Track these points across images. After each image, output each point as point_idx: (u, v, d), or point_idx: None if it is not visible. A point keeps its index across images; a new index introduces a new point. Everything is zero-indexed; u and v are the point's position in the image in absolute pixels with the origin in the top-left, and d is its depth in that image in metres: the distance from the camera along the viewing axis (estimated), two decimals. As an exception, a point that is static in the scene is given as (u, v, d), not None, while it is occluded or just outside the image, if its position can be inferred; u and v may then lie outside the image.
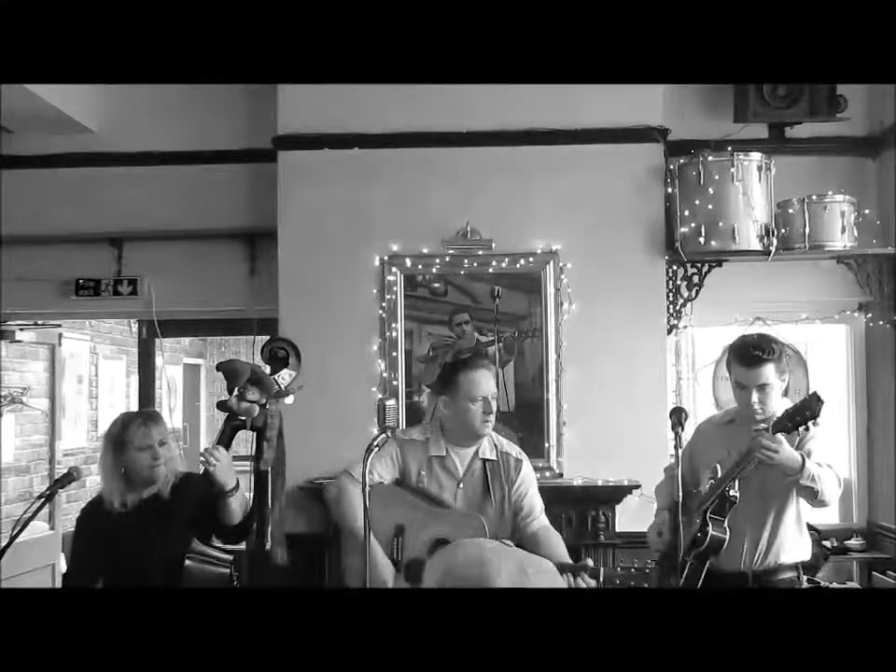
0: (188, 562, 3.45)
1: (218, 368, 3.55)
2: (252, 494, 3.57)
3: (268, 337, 5.85)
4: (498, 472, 3.73)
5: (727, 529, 3.57)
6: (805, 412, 3.37)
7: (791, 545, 3.69)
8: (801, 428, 3.42)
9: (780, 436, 3.42)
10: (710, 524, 3.57)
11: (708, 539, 3.56)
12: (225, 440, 3.55)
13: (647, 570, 3.47)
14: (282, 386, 3.55)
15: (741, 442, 3.66)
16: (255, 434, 3.52)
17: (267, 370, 3.59)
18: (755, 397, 3.66)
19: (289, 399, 3.58)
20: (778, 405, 3.67)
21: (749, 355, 3.65)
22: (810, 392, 3.42)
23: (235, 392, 3.45)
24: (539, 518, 3.72)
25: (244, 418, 3.47)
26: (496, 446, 3.78)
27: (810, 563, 3.77)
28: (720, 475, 3.61)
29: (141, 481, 3.66)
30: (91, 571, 3.64)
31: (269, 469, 3.54)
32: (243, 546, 3.71)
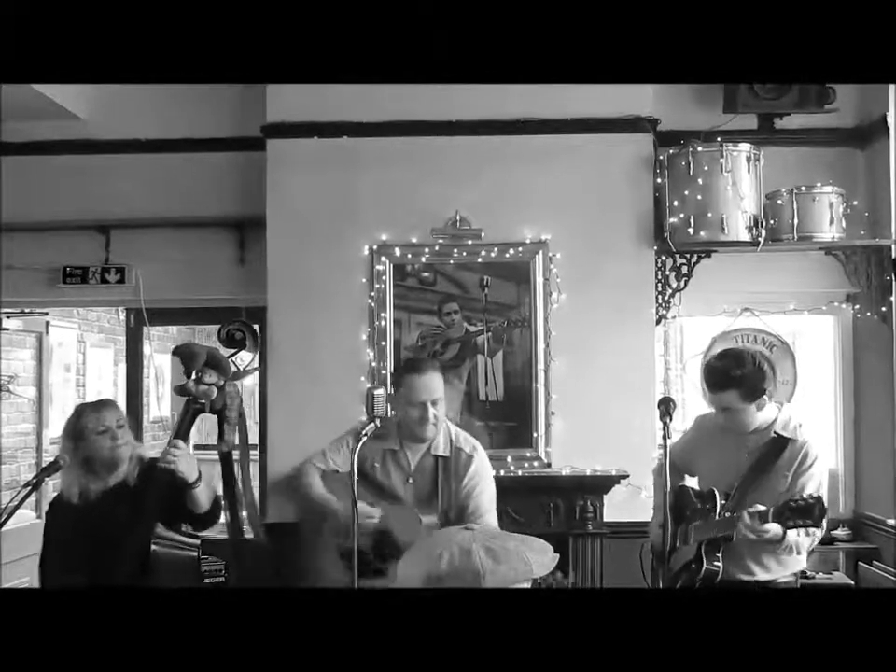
0: (155, 547, 3.44)
1: (174, 352, 3.56)
2: (220, 477, 3.57)
3: (257, 325, 5.86)
4: (448, 469, 3.78)
5: (720, 560, 3.56)
6: (808, 518, 3.26)
7: (792, 558, 3.67)
8: (802, 530, 3.37)
9: (772, 525, 3.34)
10: (705, 557, 3.57)
11: (703, 572, 3.56)
12: (185, 424, 3.55)
13: None
14: (240, 368, 3.56)
15: (734, 455, 3.68)
16: (216, 416, 3.53)
17: (225, 352, 3.59)
18: (721, 418, 3.68)
19: (248, 381, 3.61)
20: (757, 420, 3.63)
21: (710, 378, 3.65)
22: (816, 495, 3.30)
23: (193, 375, 3.45)
24: (483, 517, 3.70)
25: (203, 401, 3.48)
26: (451, 441, 3.83)
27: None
28: (717, 507, 3.58)
29: (104, 467, 3.65)
30: (62, 565, 3.61)
31: (232, 450, 3.55)
32: (228, 536, 3.72)
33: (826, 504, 3.28)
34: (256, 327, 4.21)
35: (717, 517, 3.58)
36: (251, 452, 6.63)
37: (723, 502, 3.60)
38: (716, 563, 3.56)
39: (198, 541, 3.59)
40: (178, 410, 3.67)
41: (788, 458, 3.60)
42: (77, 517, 3.62)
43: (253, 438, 6.22)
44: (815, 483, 3.56)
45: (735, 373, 3.55)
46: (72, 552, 3.60)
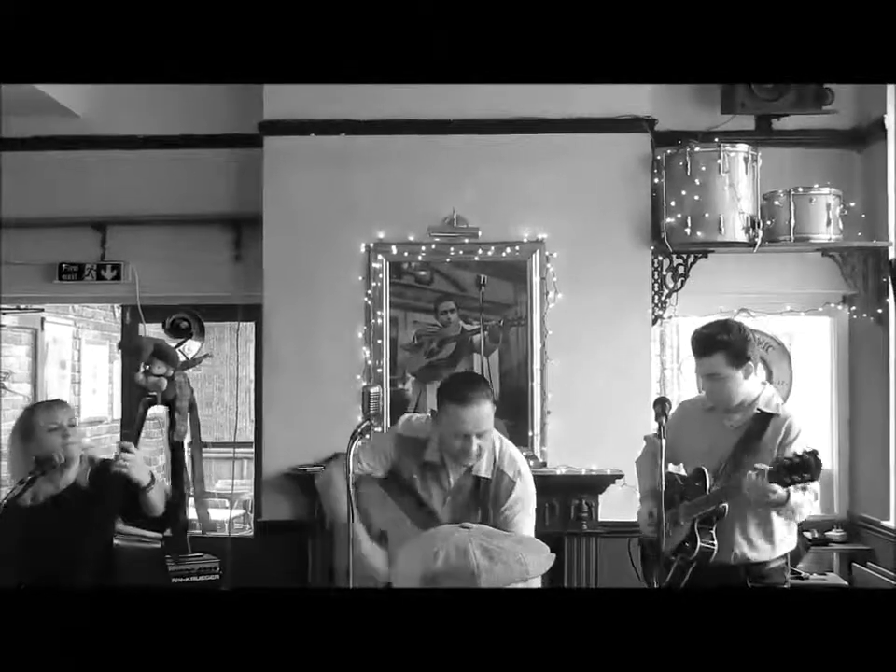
0: (118, 542, 3.42)
1: (120, 346, 3.56)
2: (169, 466, 3.56)
3: (253, 323, 5.86)
4: (488, 493, 3.49)
5: (715, 538, 3.57)
6: (804, 472, 3.26)
7: (780, 536, 3.68)
8: (798, 485, 3.33)
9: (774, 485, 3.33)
10: (699, 535, 3.57)
11: (698, 551, 3.56)
12: (139, 418, 3.53)
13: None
14: (188, 357, 3.55)
15: (719, 434, 3.69)
16: (167, 407, 3.51)
17: (172, 342, 3.58)
18: (707, 386, 3.72)
19: (197, 370, 3.60)
20: (742, 391, 3.65)
21: (696, 345, 3.70)
22: (810, 450, 3.28)
23: (142, 368, 3.44)
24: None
25: (154, 393, 3.46)
26: (494, 461, 3.51)
27: (793, 552, 3.78)
28: (707, 484, 3.59)
29: (55, 465, 3.58)
30: (18, 570, 3.52)
31: (183, 440, 3.54)
32: (225, 533, 3.72)
33: (820, 456, 3.26)
34: (250, 321, 4.18)
35: (707, 493, 3.59)
36: (241, 449, 6.66)
37: (713, 479, 3.61)
38: (710, 541, 3.57)
39: (160, 535, 3.57)
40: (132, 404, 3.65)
41: (772, 433, 3.61)
42: (31, 520, 3.55)
43: (248, 436, 6.24)
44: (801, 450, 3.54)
45: (722, 338, 3.62)
46: (29, 554, 3.53)
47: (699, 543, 3.56)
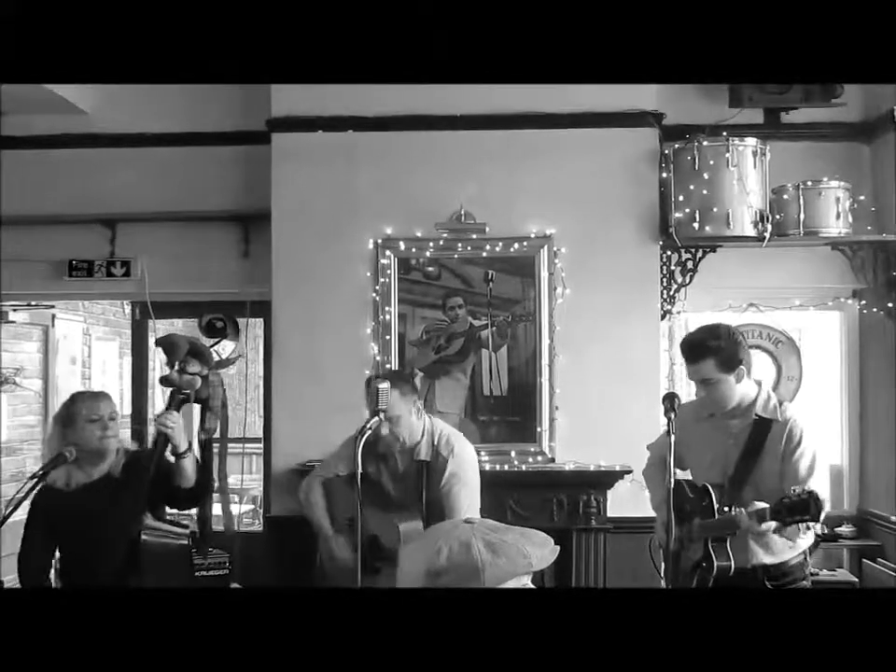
0: (144, 537, 3.45)
1: (157, 343, 3.58)
2: (199, 463, 3.60)
3: (262, 319, 5.87)
4: (429, 473, 3.93)
5: (730, 554, 3.54)
6: (805, 514, 3.20)
7: (799, 537, 3.61)
8: (801, 525, 3.29)
9: (771, 522, 3.30)
10: (714, 554, 3.54)
11: (716, 570, 3.53)
12: None
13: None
14: (221, 357, 3.57)
15: (721, 443, 3.66)
16: (199, 405, 3.55)
17: (206, 342, 3.61)
18: (702, 391, 3.68)
19: (232, 369, 3.65)
20: (736, 394, 3.61)
21: (686, 351, 3.66)
22: (810, 490, 3.22)
23: (176, 366, 3.46)
24: (457, 517, 3.70)
25: (187, 391, 3.49)
26: (433, 445, 3.95)
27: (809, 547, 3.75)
28: (714, 505, 3.55)
29: (90, 456, 3.64)
30: (44, 555, 3.65)
31: (212, 437, 3.58)
32: (234, 529, 3.74)
33: (821, 496, 3.21)
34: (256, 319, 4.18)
35: (717, 514, 3.56)
36: (250, 445, 6.67)
37: (719, 497, 3.57)
38: (726, 560, 3.52)
39: (188, 530, 3.60)
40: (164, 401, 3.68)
41: (774, 440, 3.57)
42: (65, 504, 3.62)
43: (257, 431, 6.26)
44: (807, 461, 3.51)
45: (711, 343, 3.58)
46: (57, 539, 3.63)
47: (716, 563, 3.52)
